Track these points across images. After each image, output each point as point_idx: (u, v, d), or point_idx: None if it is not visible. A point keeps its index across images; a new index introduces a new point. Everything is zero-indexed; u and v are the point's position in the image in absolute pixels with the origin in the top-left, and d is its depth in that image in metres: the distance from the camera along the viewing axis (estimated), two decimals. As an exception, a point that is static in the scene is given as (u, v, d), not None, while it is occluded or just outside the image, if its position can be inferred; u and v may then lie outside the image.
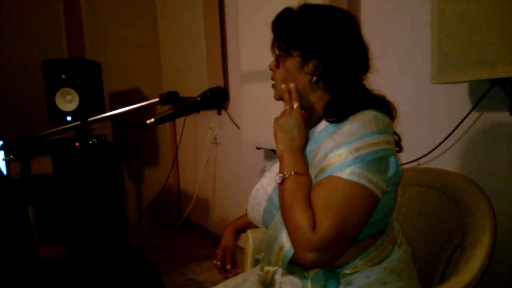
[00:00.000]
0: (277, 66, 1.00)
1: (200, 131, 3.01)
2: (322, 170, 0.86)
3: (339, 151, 0.85)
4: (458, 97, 1.37)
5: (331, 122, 0.92)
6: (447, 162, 1.42)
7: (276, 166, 1.00)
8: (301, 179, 0.89)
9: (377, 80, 1.66)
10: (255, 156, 2.38)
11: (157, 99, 1.11)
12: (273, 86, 1.02)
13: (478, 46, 1.10)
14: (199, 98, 1.07)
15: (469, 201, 1.01)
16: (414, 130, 1.54)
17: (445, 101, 1.42)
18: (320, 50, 0.93)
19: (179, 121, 3.20)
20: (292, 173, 0.89)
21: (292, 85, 0.96)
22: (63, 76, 2.34)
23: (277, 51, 0.99)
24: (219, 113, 2.70)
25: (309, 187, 0.88)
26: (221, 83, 2.57)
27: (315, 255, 0.81)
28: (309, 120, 0.98)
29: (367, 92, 0.98)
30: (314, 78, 0.94)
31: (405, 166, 1.52)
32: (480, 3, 1.09)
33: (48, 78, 2.35)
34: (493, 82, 1.23)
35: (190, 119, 3.07)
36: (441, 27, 1.18)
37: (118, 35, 3.13)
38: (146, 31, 3.15)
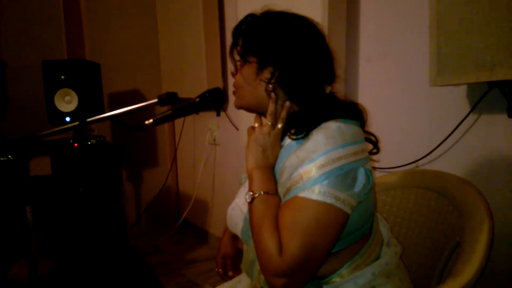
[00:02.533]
0: (235, 73, 0.98)
1: (199, 132, 3.01)
2: (288, 190, 0.84)
3: (303, 169, 0.81)
4: (457, 99, 1.37)
5: (294, 139, 0.88)
6: (445, 164, 1.42)
7: None
8: (271, 199, 0.86)
9: (377, 82, 1.67)
10: (254, 158, 2.38)
11: (156, 100, 1.11)
12: (234, 92, 0.99)
13: (477, 49, 1.10)
14: (198, 99, 1.07)
15: (467, 203, 1.02)
16: (413, 132, 1.54)
17: (444, 103, 1.42)
18: (275, 56, 0.90)
19: (178, 122, 3.20)
20: (262, 192, 0.87)
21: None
22: (63, 77, 2.34)
23: (236, 57, 0.97)
24: (218, 115, 2.70)
25: (279, 207, 0.85)
26: (220, 85, 2.57)
27: (284, 280, 0.79)
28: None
29: (334, 100, 0.94)
30: (270, 85, 0.90)
31: (404, 168, 1.52)
32: (479, 7, 1.09)
33: (48, 79, 2.35)
34: (491, 85, 1.24)
35: (189, 120, 3.07)
36: (440, 30, 1.19)
37: (117, 36, 3.13)
38: (146, 32, 3.16)
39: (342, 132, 0.83)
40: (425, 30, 1.27)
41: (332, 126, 0.83)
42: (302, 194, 0.80)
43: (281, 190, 0.88)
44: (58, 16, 3.08)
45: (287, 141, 0.91)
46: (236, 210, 0.98)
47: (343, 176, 0.81)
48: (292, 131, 0.89)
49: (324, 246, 0.81)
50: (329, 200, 0.79)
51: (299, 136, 0.87)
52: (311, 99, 0.91)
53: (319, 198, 0.79)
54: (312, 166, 0.81)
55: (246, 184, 0.99)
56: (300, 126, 0.88)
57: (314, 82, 0.91)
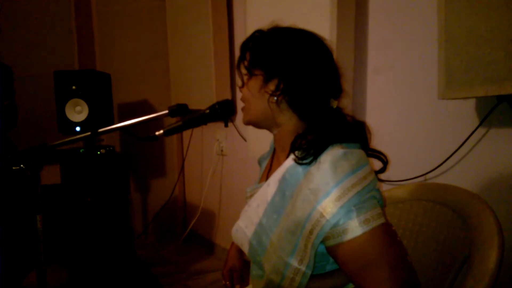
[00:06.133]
0: (242, 86, 0.98)
1: (206, 143, 3.02)
2: (311, 232, 0.82)
3: (321, 206, 0.81)
4: (465, 112, 1.37)
5: (300, 164, 0.86)
6: (454, 177, 1.41)
7: (259, 193, 0.97)
8: None
9: (385, 94, 1.67)
10: (261, 169, 2.38)
11: (166, 111, 1.12)
12: (242, 109, 0.99)
13: (485, 62, 1.10)
14: (208, 111, 1.08)
15: (476, 218, 1.01)
16: (421, 145, 1.54)
17: (452, 117, 1.42)
18: (280, 68, 0.90)
19: (186, 133, 3.22)
20: None
21: None
22: (74, 87, 2.38)
23: (243, 71, 0.98)
24: (226, 126, 2.70)
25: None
26: (229, 96, 2.59)
27: None
28: (282, 140, 0.96)
29: (341, 117, 0.94)
30: (275, 98, 0.90)
31: (412, 181, 1.51)
32: (488, 20, 1.10)
33: (59, 89, 2.38)
34: (500, 98, 1.24)
35: (197, 131, 3.08)
36: (449, 43, 1.19)
37: (128, 47, 3.17)
38: (156, 43, 3.20)
39: (348, 158, 0.83)
40: (433, 42, 1.27)
41: (338, 153, 0.83)
42: (346, 238, 0.80)
43: (289, 221, 0.85)
44: (70, 27, 3.14)
45: (290, 162, 0.89)
46: (240, 233, 0.97)
47: (364, 199, 0.82)
48: (298, 154, 0.87)
49: (399, 255, 0.82)
50: (371, 224, 0.80)
51: (305, 161, 0.85)
52: (315, 112, 0.91)
53: (363, 230, 0.79)
54: (328, 201, 0.80)
55: (250, 203, 0.99)
56: (306, 149, 0.86)
57: (318, 94, 0.91)
